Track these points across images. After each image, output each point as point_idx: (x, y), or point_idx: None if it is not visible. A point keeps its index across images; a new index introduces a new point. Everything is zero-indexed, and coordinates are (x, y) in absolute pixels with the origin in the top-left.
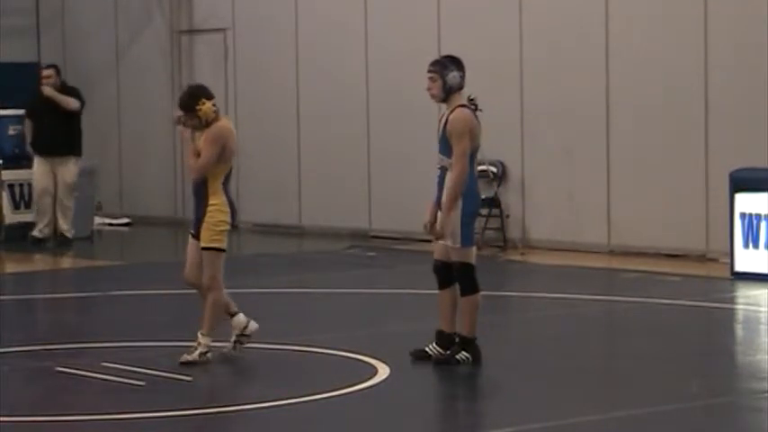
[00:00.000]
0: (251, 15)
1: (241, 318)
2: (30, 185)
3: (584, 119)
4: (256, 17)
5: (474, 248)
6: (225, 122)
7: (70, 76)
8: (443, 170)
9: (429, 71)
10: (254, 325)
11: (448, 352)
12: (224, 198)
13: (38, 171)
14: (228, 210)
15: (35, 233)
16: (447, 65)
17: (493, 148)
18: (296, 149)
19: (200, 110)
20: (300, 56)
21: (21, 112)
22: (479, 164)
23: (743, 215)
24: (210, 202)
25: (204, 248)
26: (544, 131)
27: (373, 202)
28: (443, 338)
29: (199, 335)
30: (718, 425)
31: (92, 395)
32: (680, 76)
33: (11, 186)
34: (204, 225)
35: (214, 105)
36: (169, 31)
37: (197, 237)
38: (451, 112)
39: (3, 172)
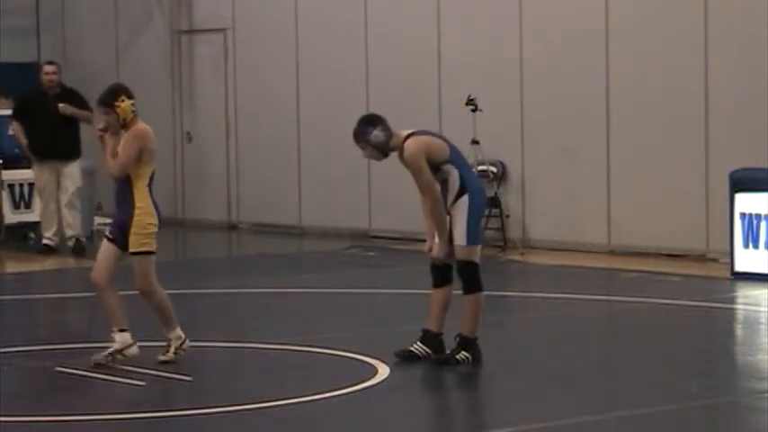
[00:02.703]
0: (251, 15)
1: (127, 337)
2: (30, 185)
3: (584, 119)
4: (256, 17)
5: (479, 247)
6: (144, 125)
7: (70, 76)
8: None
9: (356, 144)
10: (135, 350)
11: (448, 352)
12: (150, 200)
13: (41, 176)
14: (155, 212)
15: (46, 242)
16: (364, 131)
17: (493, 148)
18: (296, 149)
19: (119, 106)
20: (300, 56)
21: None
22: (480, 164)
23: (743, 215)
24: (137, 205)
25: (134, 253)
26: (544, 131)
27: (373, 202)
28: (429, 338)
29: (167, 334)
30: (719, 425)
31: (92, 395)
32: (680, 77)
33: (11, 186)
34: (132, 229)
35: (133, 106)
36: (169, 31)
37: (112, 240)
38: (401, 151)
39: (3, 172)
